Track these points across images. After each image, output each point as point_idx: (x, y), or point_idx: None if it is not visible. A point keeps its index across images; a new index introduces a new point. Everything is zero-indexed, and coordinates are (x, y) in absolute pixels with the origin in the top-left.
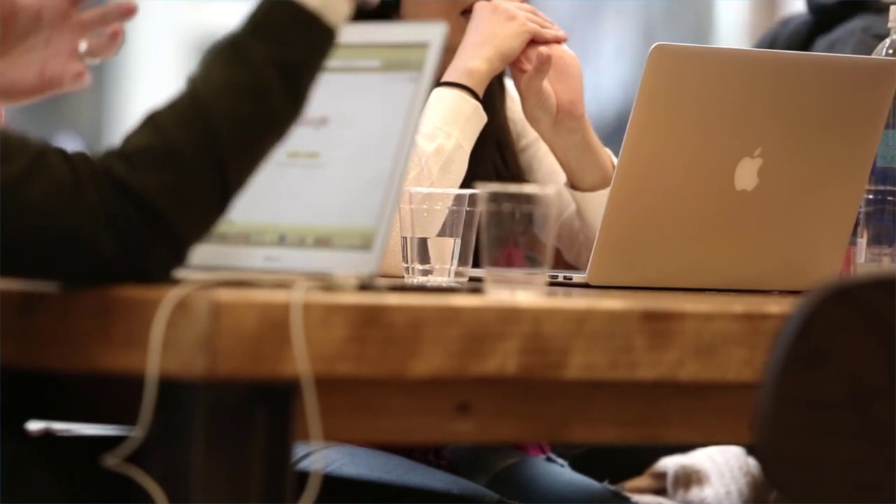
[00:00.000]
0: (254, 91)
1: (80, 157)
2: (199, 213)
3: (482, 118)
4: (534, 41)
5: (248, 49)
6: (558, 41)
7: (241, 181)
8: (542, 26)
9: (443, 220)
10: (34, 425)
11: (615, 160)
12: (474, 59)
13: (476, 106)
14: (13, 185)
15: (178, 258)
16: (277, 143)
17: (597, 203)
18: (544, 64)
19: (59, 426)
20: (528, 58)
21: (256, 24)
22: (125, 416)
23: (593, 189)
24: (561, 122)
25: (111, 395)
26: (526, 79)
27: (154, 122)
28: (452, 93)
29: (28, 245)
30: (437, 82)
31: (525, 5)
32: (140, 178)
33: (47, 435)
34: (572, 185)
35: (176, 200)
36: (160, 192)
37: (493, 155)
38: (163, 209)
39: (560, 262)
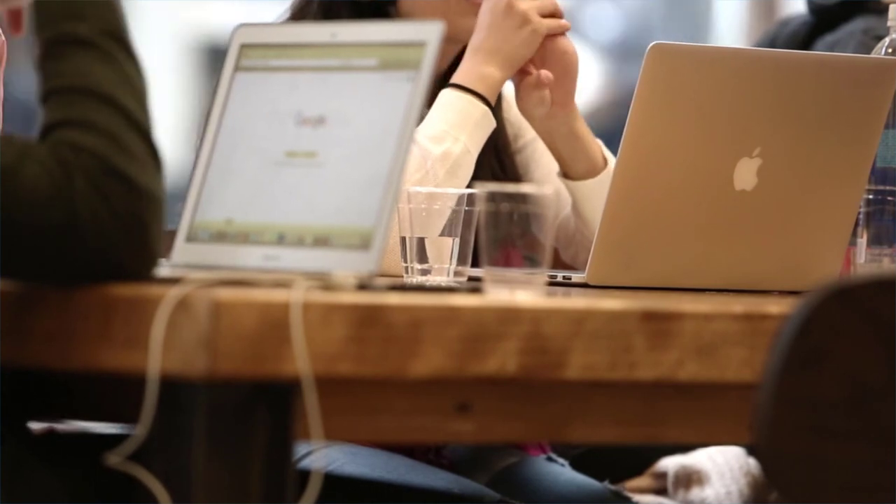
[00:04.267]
0: (107, 59)
1: (60, 147)
2: (150, 166)
3: (491, 124)
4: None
5: (77, 33)
6: (563, 31)
7: (151, 124)
8: (553, 14)
9: (443, 220)
10: (36, 424)
11: (605, 150)
12: (488, 65)
13: (485, 111)
14: (7, 173)
15: (162, 220)
16: (148, 90)
17: (587, 192)
18: (547, 83)
19: (62, 425)
20: (533, 61)
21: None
22: (127, 414)
23: (583, 178)
24: (553, 114)
25: (113, 393)
26: (528, 82)
27: (63, 123)
28: (463, 96)
29: (26, 234)
30: (446, 81)
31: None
32: (106, 159)
33: (50, 433)
34: (564, 174)
35: (133, 166)
36: (124, 163)
37: (491, 159)
38: (136, 178)
39: (557, 262)
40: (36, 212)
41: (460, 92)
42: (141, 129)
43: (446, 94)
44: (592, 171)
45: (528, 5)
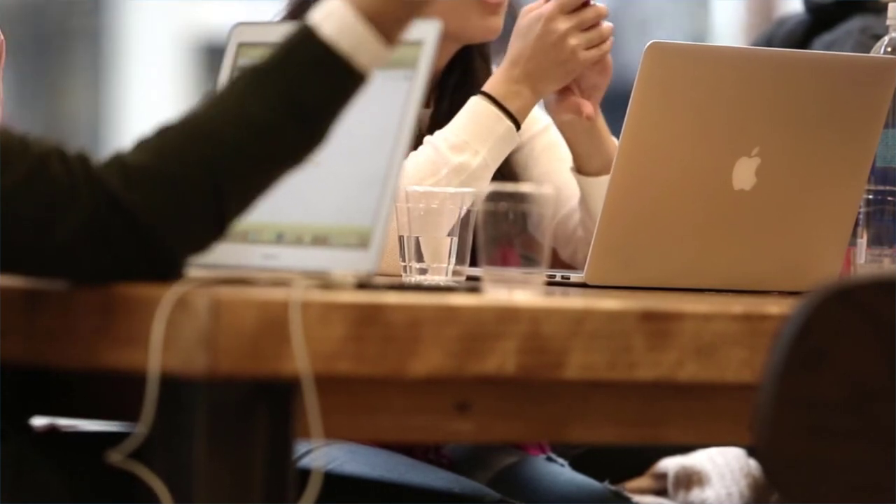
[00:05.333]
0: (263, 128)
1: (79, 162)
2: (190, 235)
3: (514, 141)
4: None
5: (267, 83)
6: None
7: (238, 208)
8: (601, 38)
9: (442, 219)
10: (38, 421)
11: None
12: (524, 86)
13: (510, 128)
14: (10, 195)
15: (169, 275)
16: (283, 176)
17: (599, 189)
18: (588, 117)
19: (63, 422)
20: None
21: (282, 59)
22: (128, 412)
23: (597, 174)
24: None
25: (114, 391)
26: (567, 104)
27: (161, 138)
28: (492, 109)
29: (23, 255)
30: (444, 79)
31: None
32: (132, 197)
33: (51, 431)
34: (578, 168)
35: (166, 222)
36: (150, 212)
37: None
38: (152, 228)
39: (556, 262)
40: (33, 237)
41: (491, 104)
42: (220, 205)
43: (476, 103)
44: (607, 168)
45: (577, 41)
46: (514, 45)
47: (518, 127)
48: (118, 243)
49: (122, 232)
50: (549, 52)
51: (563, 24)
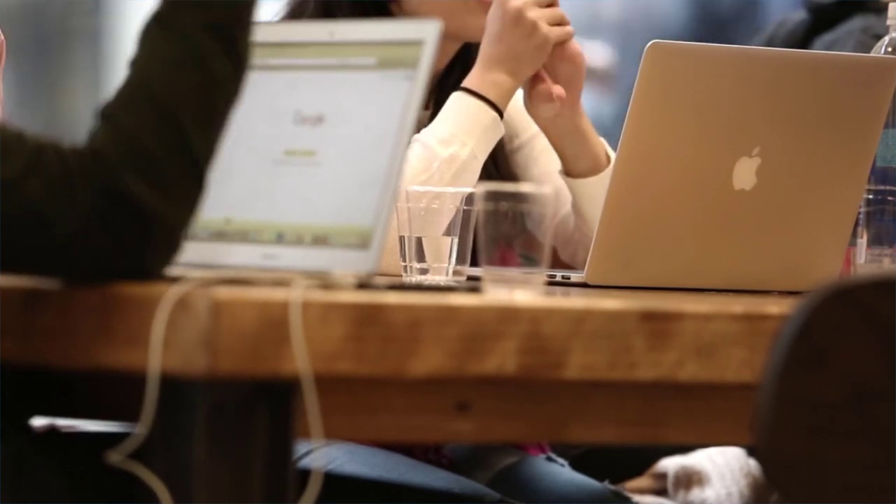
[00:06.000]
0: (194, 61)
1: (74, 155)
2: (179, 194)
3: (500, 131)
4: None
5: (176, 20)
6: (570, 38)
7: (209, 151)
8: (560, 22)
9: (442, 219)
10: (38, 422)
11: (609, 148)
12: (499, 73)
13: (495, 118)
14: (10, 186)
15: (173, 247)
16: (232, 104)
17: (588, 190)
18: (558, 98)
19: (63, 422)
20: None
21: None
22: (128, 412)
23: (585, 175)
24: (559, 113)
25: (114, 391)
26: (540, 91)
27: (108, 118)
28: (473, 101)
29: (26, 247)
30: (444, 80)
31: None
32: (116, 177)
33: (51, 431)
34: (566, 171)
35: (155, 190)
36: (137, 186)
37: (485, 158)
38: (146, 202)
39: (556, 261)
40: (34, 231)
41: (471, 97)
42: (190, 155)
43: (456, 99)
44: (595, 168)
45: (536, 14)
46: (483, 39)
47: (501, 115)
48: (120, 226)
49: (121, 213)
50: (514, 30)
51: (516, 2)
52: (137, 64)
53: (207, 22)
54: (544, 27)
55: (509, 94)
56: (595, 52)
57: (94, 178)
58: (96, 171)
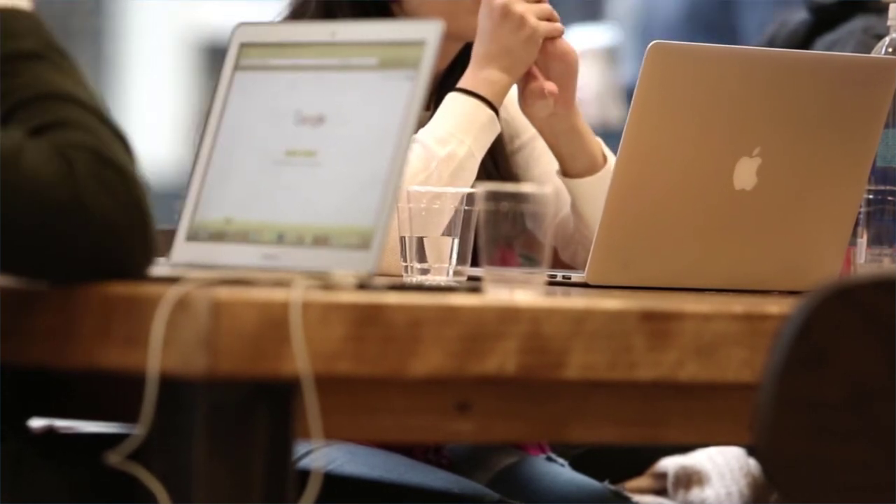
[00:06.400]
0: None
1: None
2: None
3: (496, 128)
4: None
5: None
6: (559, 34)
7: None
8: (549, 18)
9: (443, 219)
10: (36, 422)
11: (605, 148)
12: (492, 70)
13: (491, 116)
14: (13, 155)
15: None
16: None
17: (586, 190)
18: (551, 94)
19: (62, 423)
20: (535, 64)
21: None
22: (127, 413)
23: (582, 175)
24: (554, 112)
25: (113, 392)
26: (532, 89)
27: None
28: (468, 100)
29: (32, 214)
30: (445, 80)
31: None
32: (91, 142)
33: (50, 432)
34: (563, 171)
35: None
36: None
37: (485, 158)
38: (123, 164)
39: (556, 262)
40: (40, 194)
41: (466, 96)
42: (111, 124)
43: (452, 98)
44: (592, 168)
45: (523, 7)
46: (475, 43)
47: (497, 112)
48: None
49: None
50: (503, 25)
51: None
52: (22, 89)
53: (47, 43)
54: (532, 20)
55: (504, 91)
56: (601, 35)
57: (83, 155)
58: (79, 150)
